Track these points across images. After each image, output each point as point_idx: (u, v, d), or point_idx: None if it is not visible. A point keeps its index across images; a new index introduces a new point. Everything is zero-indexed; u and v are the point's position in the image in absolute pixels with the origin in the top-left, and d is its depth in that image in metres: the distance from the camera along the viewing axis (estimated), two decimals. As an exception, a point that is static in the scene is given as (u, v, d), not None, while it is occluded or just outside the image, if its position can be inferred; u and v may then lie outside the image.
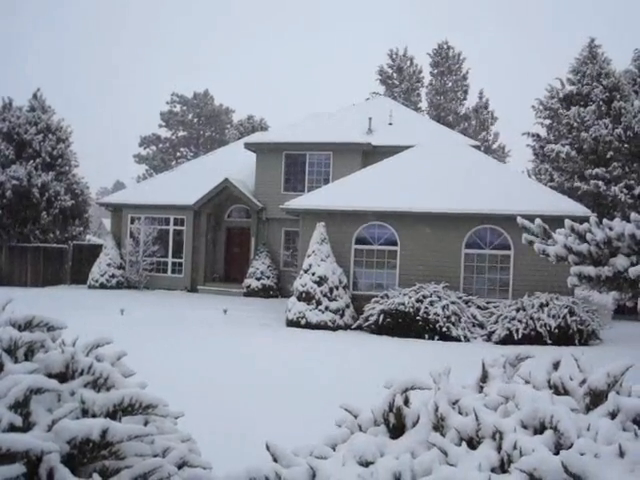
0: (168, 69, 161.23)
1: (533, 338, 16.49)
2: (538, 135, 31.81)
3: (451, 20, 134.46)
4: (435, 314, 17.33)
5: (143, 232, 27.68)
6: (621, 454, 2.32)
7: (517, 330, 16.76)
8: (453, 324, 17.34)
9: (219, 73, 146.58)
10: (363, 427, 3.30)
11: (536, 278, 18.22)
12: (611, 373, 3.00)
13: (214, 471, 3.36)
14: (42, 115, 32.72)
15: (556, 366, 3.43)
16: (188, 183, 28.73)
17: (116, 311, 18.97)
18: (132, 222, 28.48)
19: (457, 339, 17.11)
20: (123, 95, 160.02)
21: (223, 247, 29.33)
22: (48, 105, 34.51)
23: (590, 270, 7.27)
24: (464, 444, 2.66)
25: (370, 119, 27.83)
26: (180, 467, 3.11)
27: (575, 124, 27.96)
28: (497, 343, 16.81)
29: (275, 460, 2.94)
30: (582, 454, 2.28)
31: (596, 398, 2.95)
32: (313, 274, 19.02)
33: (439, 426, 2.88)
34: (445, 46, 51.31)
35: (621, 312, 21.58)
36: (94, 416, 2.75)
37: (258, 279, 26.25)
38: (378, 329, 17.96)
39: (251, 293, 26.13)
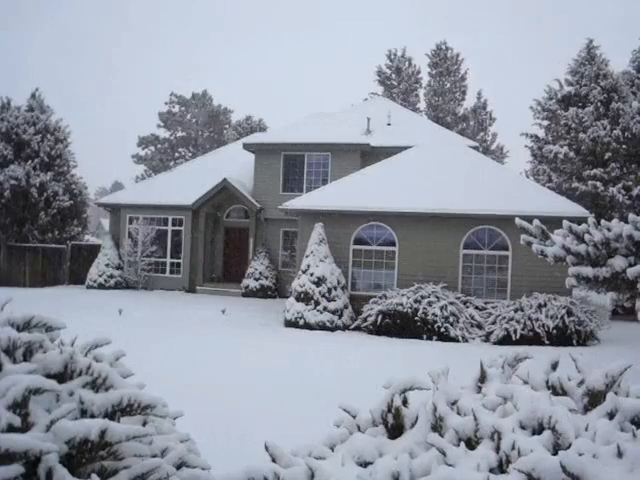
0: (167, 69, 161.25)
1: (531, 339, 16.50)
2: (536, 136, 31.85)
3: (450, 21, 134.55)
4: (433, 314, 17.34)
5: (141, 232, 27.67)
6: (619, 454, 2.33)
7: (515, 331, 16.78)
8: (451, 324, 17.35)
9: (218, 74, 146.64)
10: (362, 427, 3.30)
11: (534, 279, 18.24)
12: (609, 373, 3.00)
13: (213, 471, 3.36)
14: (41, 115, 32.69)
15: (554, 366, 3.43)
16: (187, 183, 28.73)
17: (114, 311, 18.96)
18: (130, 222, 28.47)
19: (455, 339, 17.12)
20: (122, 95, 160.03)
21: (221, 247, 29.32)
22: (47, 105, 34.51)
23: (588, 271, 7.27)
24: (462, 444, 2.66)
25: (369, 120, 27.84)
26: (179, 467, 3.11)
27: (573, 125, 27.98)
28: (495, 343, 16.82)
29: (274, 460, 2.94)
30: (580, 454, 2.28)
31: (594, 398, 2.96)
32: (311, 274, 19.02)
33: (438, 426, 2.88)
34: (443, 47, 51.35)
35: (619, 313, 21.61)
36: (93, 416, 2.75)
37: (257, 279, 26.25)
38: (376, 329, 17.96)
39: (249, 293, 26.13)
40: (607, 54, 30.10)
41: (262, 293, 26.10)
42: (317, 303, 18.71)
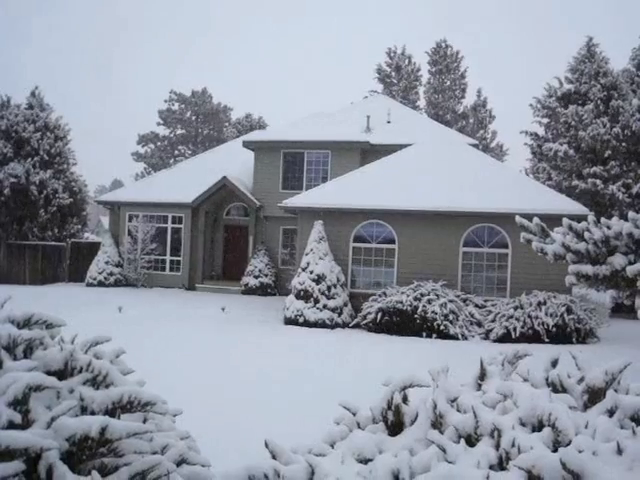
0: (167, 67, 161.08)
1: (531, 336, 16.51)
2: (536, 134, 31.84)
3: (449, 19, 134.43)
4: (433, 312, 17.35)
5: (141, 230, 27.67)
6: (619, 451, 2.33)
7: (515, 328, 16.78)
8: (451, 322, 17.35)
9: (217, 71, 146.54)
10: (362, 425, 3.30)
11: (534, 276, 18.24)
12: (609, 371, 3.01)
13: (213, 468, 3.36)
14: (40, 113, 32.65)
15: (554, 364, 3.43)
16: (186, 181, 28.72)
17: (114, 309, 18.97)
18: (130, 220, 28.47)
19: (455, 337, 17.12)
20: (121, 93, 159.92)
21: (221, 245, 29.32)
22: (46, 103, 34.46)
23: (588, 269, 7.27)
24: (462, 441, 2.67)
25: (368, 117, 27.83)
26: (179, 464, 3.11)
27: (573, 123, 27.97)
28: (495, 341, 16.83)
29: (274, 457, 2.94)
30: (580, 451, 2.29)
31: (594, 396, 2.96)
32: (311, 272, 19.03)
33: (438, 424, 2.88)
34: (443, 45, 51.34)
35: (619, 310, 21.62)
36: (93, 413, 2.75)
37: (256, 277, 26.25)
38: (376, 327, 17.97)
39: (249, 291, 26.14)
40: (607, 52, 30.17)
41: (262, 291, 26.11)
42: (317, 301, 18.72)
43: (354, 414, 3.42)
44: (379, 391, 3.38)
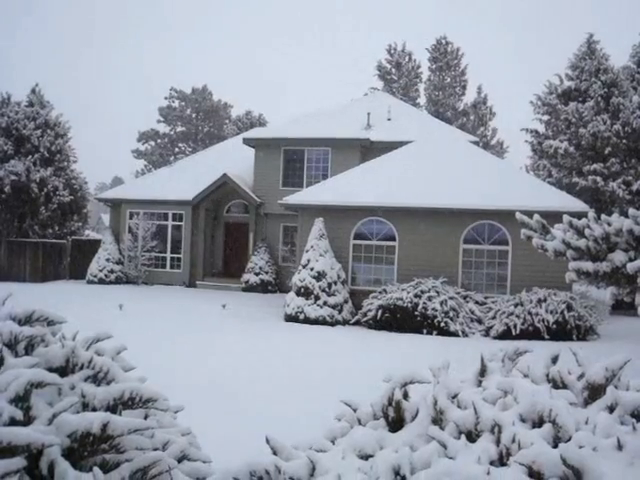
0: (167, 64, 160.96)
1: (531, 333, 16.52)
2: (536, 131, 31.79)
3: (449, 16, 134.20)
4: (433, 309, 17.36)
5: (142, 227, 27.67)
6: (619, 447, 2.34)
7: (515, 325, 16.79)
8: (451, 319, 17.37)
9: (217, 69, 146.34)
10: (362, 421, 3.31)
11: (534, 274, 18.24)
12: (609, 367, 3.01)
13: (214, 465, 3.37)
14: (41, 110, 32.63)
15: (555, 360, 3.44)
16: (187, 178, 28.72)
17: (115, 306, 18.98)
18: (131, 217, 28.47)
19: (455, 334, 17.14)
20: (122, 90, 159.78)
21: (222, 242, 29.33)
22: (47, 100, 34.42)
23: (588, 265, 7.28)
24: (463, 437, 2.67)
25: (369, 115, 27.82)
26: (180, 461, 3.12)
27: (573, 120, 27.95)
28: (495, 338, 16.85)
29: (275, 453, 2.95)
30: (581, 447, 2.29)
31: (594, 392, 2.97)
32: (312, 269, 19.04)
33: (438, 420, 2.89)
34: (444, 42, 51.27)
35: (619, 307, 21.60)
36: (94, 410, 2.76)
37: (257, 274, 26.27)
38: (376, 324, 17.98)
39: (250, 288, 26.15)
40: (607, 49, 30.04)
41: (262, 288, 26.12)
42: (317, 298, 18.73)
43: (355, 410, 3.43)
44: (379, 387, 3.39)
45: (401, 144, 24.04)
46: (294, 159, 27.21)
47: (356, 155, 25.99)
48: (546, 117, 31.86)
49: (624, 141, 26.74)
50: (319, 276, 18.91)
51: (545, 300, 17.17)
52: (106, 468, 2.64)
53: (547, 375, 3.23)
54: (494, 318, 17.51)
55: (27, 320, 3.15)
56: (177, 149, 66.45)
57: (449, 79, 51.13)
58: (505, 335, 16.71)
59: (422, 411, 3.01)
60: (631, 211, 7.10)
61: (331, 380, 10.44)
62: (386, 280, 19.73)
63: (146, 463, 2.72)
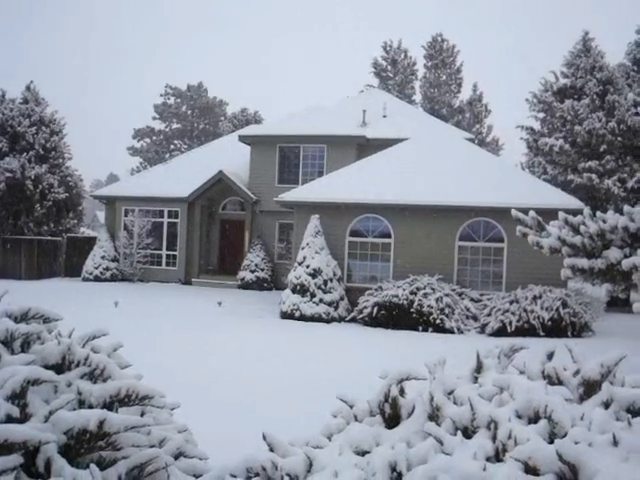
0: (162, 61, 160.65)
1: (526, 330, 16.55)
2: (532, 128, 31.83)
3: (445, 13, 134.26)
4: (429, 306, 17.38)
5: (137, 224, 27.63)
6: (615, 443, 2.35)
7: (510, 322, 16.82)
8: (447, 316, 17.39)
9: (213, 66, 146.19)
10: (359, 417, 3.32)
11: (529, 270, 18.28)
12: (605, 364, 3.02)
13: (210, 462, 3.38)
14: (36, 107, 32.55)
15: (550, 357, 3.45)
16: (182, 175, 28.70)
17: (110, 304, 18.96)
18: (126, 215, 28.42)
19: (451, 331, 17.17)
20: (117, 87, 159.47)
21: (217, 240, 29.31)
22: (42, 97, 34.33)
23: (583, 262, 7.30)
24: (459, 434, 2.68)
25: (364, 112, 27.80)
26: (177, 458, 3.13)
27: (569, 117, 27.99)
28: (490, 335, 16.87)
29: (272, 450, 2.95)
30: (576, 443, 2.30)
31: (590, 388, 2.97)
32: (307, 266, 19.04)
33: (434, 416, 2.90)
34: (439, 39, 51.28)
35: (614, 304, 21.68)
36: (91, 407, 2.76)
37: (252, 271, 26.25)
38: (372, 321, 18.00)
39: (245, 285, 26.14)
40: (603, 46, 30.11)
41: (258, 285, 26.12)
42: (313, 295, 18.73)
43: (351, 407, 3.44)
44: (374, 385, 3.39)
45: (397, 141, 24.04)
46: (290, 156, 27.20)
47: (352, 152, 25.99)
48: (541, 114, 31.92)
49: (619, 138, 26.79)
50: (315, 273, 18.91)
51: (540, 297, 17.21)
52: (103, 465, 2.65)
53: (543, 371, 3.24)
54: (489, 315, 17.53)
55: (23, 317, 3.15)
56: (172, 146, 66.35)
57: (445, 76, 51.14)
58: (500, 332, 16.73)
59: (418, 407, 3.02)
60: (626, 208, 7.12)
61: (328, 376, 10.45)
62: (382, 277, 19.75)
63: (143, 460, 2.72)
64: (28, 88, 34.09)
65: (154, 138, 66.14)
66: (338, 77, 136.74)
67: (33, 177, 30.16)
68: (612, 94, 27.42)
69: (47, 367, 2.81)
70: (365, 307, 18.35)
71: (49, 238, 30.36)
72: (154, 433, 3.01)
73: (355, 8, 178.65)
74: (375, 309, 17.96)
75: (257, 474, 2.78)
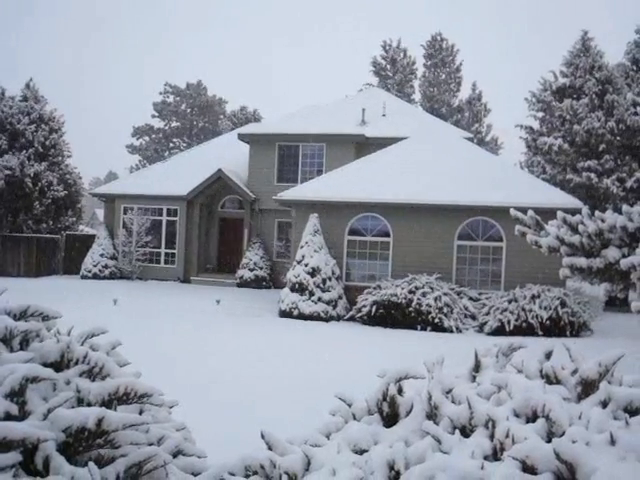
0: (162, 59, 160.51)
1: (525, 329, 16.57)
2: (531, 128, 31.83)
3: (445, 12, 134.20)
4: (427, 305, 17.39)
5: (136, 222, 27.61)
6: (612, 442, 2.35)
7: (509, 321, 16.84)
8: (445, 315, 17.40)
9: (213, 64, 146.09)
10: (357, 416, 3.32)
11: (528, 270, 18.29)
12: (603, 363, 3.02)
13: (209, 460, 3.38)
14: (35, 105, 32.50)
15: (548, 356, 3.45)
16: (181, 174, 28.68)
17: (109, 301, 18.95)
18: (125, 212, 28.40)
19: (449, 330, 17.18)
20: (116, 85, 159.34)
21: (216, 238, 29.29)
22: (41, 95, 34.31)
23: (582, 261, 7.30)
24: (457, 432, 2.68)
25: (363, 110, 27.80)
26: (175, 456, 3.13)
27: (568, 117, 27.99)
28: (489, 334, 16.89)
29: (270, 448, 2.96)
30: (574, 442, 2.30)
31: (588, 387, 2.98)
32: (306, 265, 19.04)
33: (432, 415, 2.90)
34: (439, 38, 51.28)
35: (612, 304, 21.69)
36: (89, 405, 2.76)
37: (251, 270, 26.25)
38: (370, 320, 18.00)
39: (244, 284, 26.14)
40: (602, 46, 30.16)
41: (256, 283, 26.12)
42: (312, 294, 18.74)
43: (349, 405, 3.44)
44: (372, 384, 3.40)
45: (396, 140, 24.04)
46: (289, 155, 27.18)
47: (351, 151, 25.98)
48: (541, 114, 31.93)
49: (618, 138, 26.80)
50: (313, 272, 18.92)
51: (539, 296, 17.22)
52: (101, 463, 2.65)
53: (541, 371, 3.25)
54: (488, 314, 17.54)
55: (22, 315, 3.15)
56: (172, 144, 66.33)
57: (444, 75, 51.15)
58: (499, 331, 16.75)
59: (416, 406, 3.03)
60: (625, 207, 7.13)
61: (327, 376, 10.45)
62: (380, 276, 19.76)
63: (141, 458, 2.72)
64: (27, 86, 34.08)
65: (153, 136, 66.10)
66: (337, 76, 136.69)
67: (32, 175, 30.14)
68: (611, 94, 27.43)
69: (46, 365, 2.82)
70: (364, 306, 18.36)
71: (48, 236, 30.34)
72: (152, 431, 3.01)
73: (355, 7, 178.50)
74: (374, 308, 17.96)
75: (255, 472, 2.79)
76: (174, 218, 28.16)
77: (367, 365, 9.99)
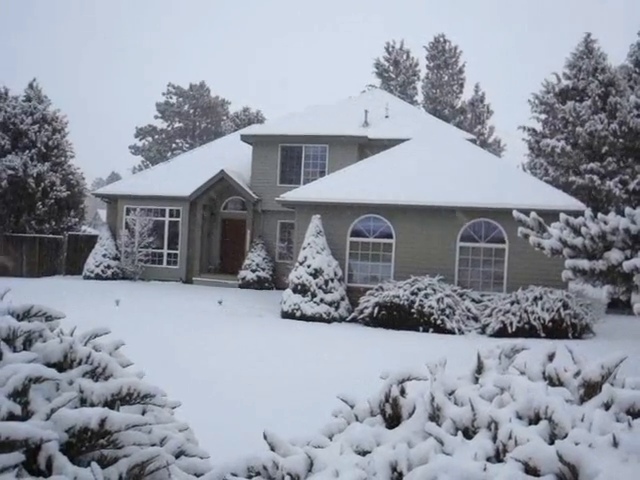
0: (165, 60, 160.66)
1: (527, 331, 16.55)
2: (534, 129, 31.81)
3: (448, 14, 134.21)
4: (430, 307, 17.38)
5: (138, 223, 27.63)
6: (615, 444, 2.35)
7: (511, 323, 16.82)
8: (448, 317, 17.39)
9: (216, 65, 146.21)
10: (359, 417, 3.32)
11: (530, 271, 18.27)
12: (605, 365, 3.02)
13: (211, 461, 3.38)
14: (38, 105, 32.54)
15: (551, 358, 3.45)
16: (184, 174, 28.69)
17: (111, 302, 18.96)
18: (128, 213, 28.42)
19: (451, 332, 17.17)
20: (119, 86, 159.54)
21: (219, 239, 29.30)
22: (44, 95, 34.34)
23: (584, 264, 7.29)
24: (460, 434, 2.68)
25: (366, 112, 27.78)
26: (178, 456, 3.13)
27: (570, 119, 27.97)
28: (491, 336, 16.87)
29: (272, 449, 2.96)
30: (577, 444, 2.31)
31: (590, 389, 2.98)
32: (308, 266, 19.05)
33: (435, 416, 2.90)
34: (441, 39, 51.25)
35: (615, 306, 21.65)
36: (92, 405, 2.76)
37: (253, 271, 26.25)
38: (373, 321, 18.00)
39: (246, 285, 26.13)
40: (605, 48, 30.07)
41: (259, 284, 26.11)
42: (314, 295, 18.74)
43: (352, 407, 3.44)
44: (374, 386, 3.40)
45: (398, 142, 24.04)
46: (291, 156, 27.19)
47: (354, 152, 25.98)
48: (543, 116, 31.89)
49: (621, 140, 26.77)
50: (316, 273, 18.92)
51: (541, 298, 17.21)
52: (104, 463, 2.65)
53: (543, 372, 3.25)
54: (490, 316, 17.53)
55: (25, 315, 3.16)
56: (174, 145, 66.37)
57: (447, 77, 51.12)
58: (501, 333, 16.73)
59: (419, 408, 3.03)
60: (627, 210, 7.12)
61: (328, 376, 10.45)
62: (383, 277, 19.75)
63: (144, 458, 2.73)
64: (31, 86, 34.11)
65: (156, 137, 66.16)
66: (340, 77, 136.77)
67: (35, 175, 30.18)
68: (614, 96, 27.40)
69: (49, 365, 2.82)
70: (366, 307, 18.36)
71: (50, 236, 30.38)
72: (155, 432, 3.01)
73: (358, 9, 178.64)
74: (376, 309, 17.96)
75: (258, 473, 2.79)
76: (177, 219, 28.17)
77: (368, 366, 9.99)
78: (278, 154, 27.23)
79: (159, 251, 28.11)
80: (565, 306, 16.98)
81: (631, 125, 26.07)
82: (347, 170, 22.29)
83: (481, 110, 49.66)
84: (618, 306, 21.31)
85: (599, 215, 7.40)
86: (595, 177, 26.26)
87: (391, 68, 51.85)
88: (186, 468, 3.15)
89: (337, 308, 18.90)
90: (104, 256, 27.44)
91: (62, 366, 2.93)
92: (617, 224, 7.02)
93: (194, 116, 66.47)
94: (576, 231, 7.32)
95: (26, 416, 2.54)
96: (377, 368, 4.01)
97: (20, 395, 2.53)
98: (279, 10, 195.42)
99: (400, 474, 2.54)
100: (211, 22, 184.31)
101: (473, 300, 18.56)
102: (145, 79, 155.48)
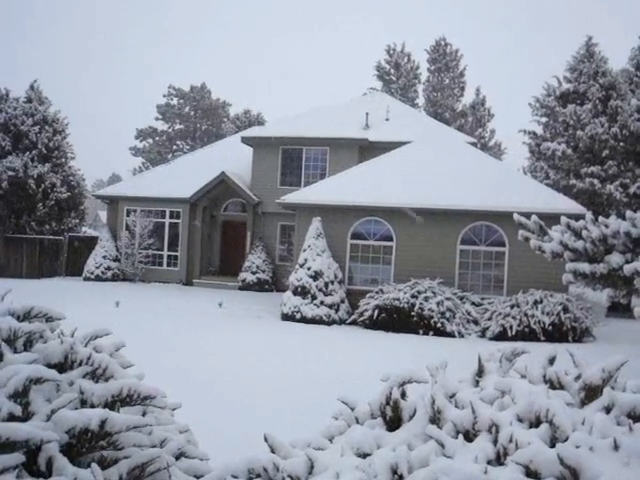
0: (166, 62, 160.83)
1: (527, 335, 16.54)
2: (534, 133, 31.83)
3: (449, 17, 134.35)
4: (430, 310, 17.37)
5: (139, 225, 27.64)
6: (616, 447, 2.35)
7: (511, 326, 16.82)
8: (448, 320, 17.38)
9: (217, 67, 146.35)
10: (360, 420, 3.32)
11: (530, 275, 18.27)
12: (606, 369, 3.02)
13: (211, 462, 3.38)
14: (39, 106, 32.56)
15: (551, 361, 3.45)
16: (184, 176, 28.69)
17: (111, 303, 18.96)
18: (128, 215, 28.43)
19: (451, 335, 17.16)
20: (120, 87, 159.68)
21: (219, 241, 29.30)
22: (45, 96, 34.35)
23: (585, 267, 7.30)
24: (461, 437, 2.68)
25: (367, 115, 27.80)
26: (178, 458, 3.13)
27: (571, 122, 27.99)
28: (491, 339, 16.87)
29: (273, 451, 2.96)
30: (577, 447, 2.30)
31: (591, 393, 2.98)
32: (309, 269, 19.04)
33: (436, 419, 2.90)
34: (443, 43, 51.30)
35: (615, 310, 21.65)
36: (93, 406, 2.76)
37: (254, 273, 26.24)
38: (373, 324, 17.99)
39: (246, 287, 26.13)
40: (606, 52, 30.12)
41: (259, 287, 26.10)
42: (314, 297, 18.74)
43: (352, 409, 3.44)
44: (374, 389, 3.40)
45: (399, 144, 24.04)
46: (292, 158, 27.20)
47: (354, 155, 25.99)
48: (544, 119, 31.91)
49: (622, 144, 26.78)
50: (316, 275, 18.92)
51: (541, 301, 17.20)
52: (104, 464, 2.65)
53: (544, 376, 3.25)
54: (490, 319, 17.53)
55: (26, 316, 3.16)
56: (175, 147, 66.41)
57: (448, 80, 51.16)
58: (501, 336, 16.73)
59: (420, 410, 3.02)
60: (628, 213, 7.13)
61: (327, 377, 10.44)
62: (383, 280, 19.74)
63: (144, 460, 2.72)
64: (32, 87, 34.12)
65: (157, 139, 66.19)
66: (341, 80, 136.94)
67: (35, 176, 30.19)
68: (615, 99, 27.42)
69: (49, 366, 2.82)
70: (366, 310, 18.35)
71: (51, 237, 30.37)
72: (155, 433, 3.01)
73: (359, 12, 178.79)
74: (376, 312, 17.95)
75: (258, 475, 2.78)
76: (177, 221, 28.17)
77: (367, 367, 9.99)
78: (279, 156, 27.24)
79: (159, 253, 28.11)
80: (565, 310, 16.98)
81: (632, 129, 26.08)
82: (348, 172, 22.30)
83: (482, 113, 49.69)
84: (618, 309, 21.31)
85: (600, 218, 7.41)
86: (596, 181, 26.27)
87: (392, 71, 51.90)
88: (186, 470, 3.15)
89: (337, 311, 18.90)
90: (104, 257, 27.44)
91: (63, 367, 2.93)
92: (618, 227, 7.03)
93: (195, 118, 66.51)
94: (577, 234, 7.33)
95: (27, 417, 2.54)
96: (377, 369, 4.01)
97: (21, 396, 2.53)
98: (280, 12, 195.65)
99: (401, 477, 2.54)
100: (211, 23, 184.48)
101: (473, 303, 18.56)
102: (146, 81, 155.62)
